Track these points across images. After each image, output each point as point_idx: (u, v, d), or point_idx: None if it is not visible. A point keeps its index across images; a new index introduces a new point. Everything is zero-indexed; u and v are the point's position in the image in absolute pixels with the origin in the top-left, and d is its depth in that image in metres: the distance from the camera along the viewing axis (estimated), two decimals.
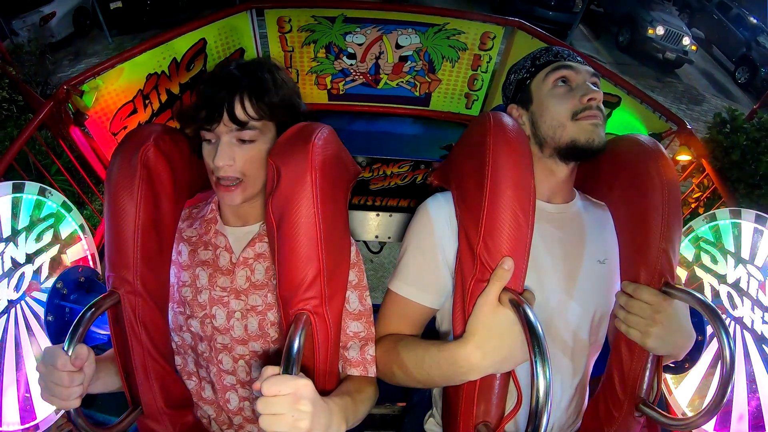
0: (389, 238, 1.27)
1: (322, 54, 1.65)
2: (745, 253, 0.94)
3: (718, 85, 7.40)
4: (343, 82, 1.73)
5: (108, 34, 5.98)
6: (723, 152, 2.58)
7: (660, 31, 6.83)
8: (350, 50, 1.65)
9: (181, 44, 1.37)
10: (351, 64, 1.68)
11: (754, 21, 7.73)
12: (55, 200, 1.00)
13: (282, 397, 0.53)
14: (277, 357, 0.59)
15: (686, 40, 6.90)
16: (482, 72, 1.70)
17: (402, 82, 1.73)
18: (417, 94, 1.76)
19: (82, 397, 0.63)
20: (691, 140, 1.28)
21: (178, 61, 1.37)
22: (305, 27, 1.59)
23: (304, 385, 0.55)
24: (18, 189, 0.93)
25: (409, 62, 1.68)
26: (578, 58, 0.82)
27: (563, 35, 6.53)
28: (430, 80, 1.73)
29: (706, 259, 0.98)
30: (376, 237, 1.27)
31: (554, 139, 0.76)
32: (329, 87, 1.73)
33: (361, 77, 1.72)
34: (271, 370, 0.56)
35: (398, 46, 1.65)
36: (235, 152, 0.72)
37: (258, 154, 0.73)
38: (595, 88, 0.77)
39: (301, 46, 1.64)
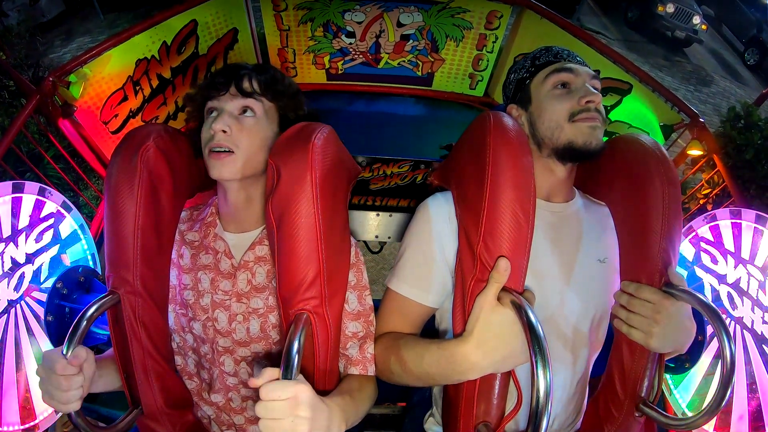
0: (389, 238, 1.27)
1: (320, 33, 1.59)
2: (745, 253, 0.94)
3: (727, 66, 7.21)
4: (342, 61, 1.67)
5: (100, 12, 5.78)
6: (735, 149, 2.52)
7: (670, 8, 6.59)
8: (349, 28, 1.58)
9: (171, 26, 1.31)
10: (350, 43, 1.62)
11: (766, 2, 7.44)
12: (55, 200, 0.99)
13: (281, 402, 0.54)
14: (279, 358, 0.59)
15: (696, 19, 6.67)
16: (488, 52, 1.64)
17: (404, 61, 1.67)
18: (419, 73, 1.70)
19: (82, 399, 0.64)
20: (703, 134, 1.24)
21: (168, 44, 1.32)
22: (302, 5, 1.52)
23: (302, 390, 0.55)
24: (18, 189, 0.92)
25: (411, 41, 1.62)
26: (578, 58, 0.81)
27: (571, 10, 6.31)
28: (432, 60, 1.67)
29: (706, 259, 0.98)
30: (376, 237, 1.26)
31: (552, 140, 0.76)
32: (327, 66, 1.67)
33: (360, 56, 1.66)
34: (270, 372, 0.56)
35: (400, 25, 1.59)
36: (234, 123, 0.73)
37: (255, 129, 0.74)
38: (594, 90, 0.76)
39: (298, 25, 1.57)
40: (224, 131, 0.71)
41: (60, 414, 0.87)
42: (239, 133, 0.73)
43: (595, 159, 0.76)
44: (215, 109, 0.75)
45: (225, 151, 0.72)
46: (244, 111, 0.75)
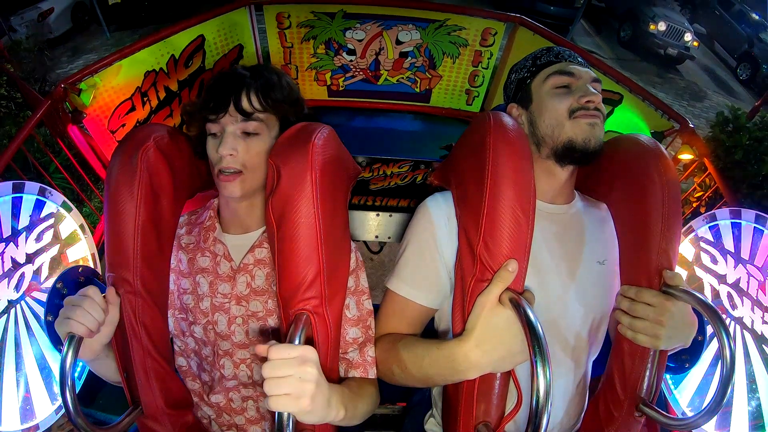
0: (389, 238, 1.27)
1: (322, 50, 1.64)
2: (745, 253, 0.94)
3: (720, 82, 7.36)
4: (343, 78, 1.72)
5: (106, 30, 5.94)
6: (725, 151, 2.55)
7: (662, 26, 6.78)
8: (350, 46, 1.64)
9: (179, 41, 1.36)
10: (351, 60, 1.67)
11: (756, 17, 7.67)
12: (55, 200, 0.99)
13: (288, 359, 0.54)
14: None
15: (688, 36, 6.85)
16: (483, 68, 1.70)
17: (402, 78, 1.73)
18: (417, 90, 1.75)
19: (89, 334, 0.64)
20: (693, 139, 1.27)
21: (177, 57, 1.36)
22: (304, 23, 1.58)
23: (309, 350, 0.57)
24: (18, 189, 0.93)
25: (409, 58, 1.67)
26: (579, 59, 0.81)
27: (565, 30, 6.49)
28: (430, 76, 1.72)
29: (706, 259, 0.98)
30: (376, 237, 1.27)
31: (552, 138, 0.76)
32: (329, 83, 1.73)
33: (361, 73, 1.71)
34: (275, 342, 0.56)
35: (398, 42, 1.65)
36: (239, 144, 0.72)
37: (261, 147, 0.74)
38: (594, 90, 0.76)
39: (301, 42, 1.63)
40: (231, 154, 0.72)
41: (60, 413, 0.86)
42: (246, 154, 0.73)
43: (594, 161, 0.76)
44: (218, 131, 0.74)
45: (234, 172, 0.73)
46: (248, 129, 0.74)
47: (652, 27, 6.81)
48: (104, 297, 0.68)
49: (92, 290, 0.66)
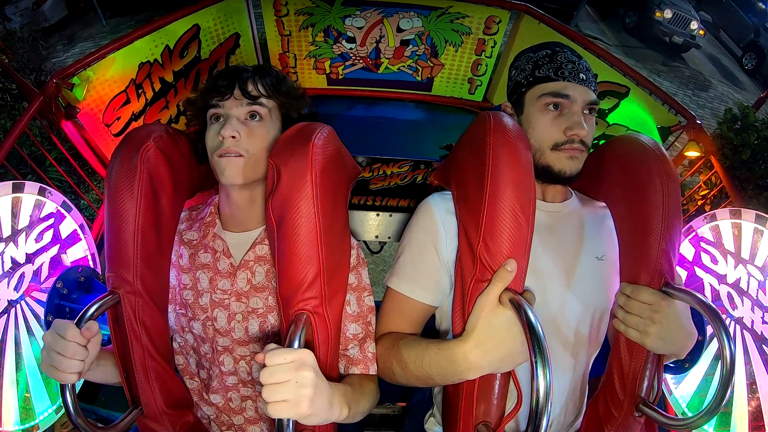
0: (389, 238, 1.27)
1: (321, 38, 1.61)
2: (745, 253, 0.94)
3: (725, 71, 7.26)
4: (343, 66, 1.69)
5: (102, 17, 5.84)
6: (732, 150, 2.53)
7: (668, 14, 6.65)
8: (350, 34, 1.61)
9: (174, 30, 1.32)
10: (350, 48, 1.64)
11: (763, 6, 7.52)
12: (55, 200, 0.99)
13: (285, 364, 0.54)
14: None
15: (694, 25, 6.73)
16: (486, 57, 1.66)
17: (403, 66, 1.69)
18: (419, 78, 1.72)
19: (79, 375, 0.63)
20: (700, 135, 1.25)
21: (171, 48, 1.33)
22: (303, 10, 1.54)
23: (306, 353, 0.56)
24: (18, 189, 0.92)
25: (410, 46, 1.64)
26: (581, 75, 0.78)
27: (569, 16, 6.37)
28: (432, 65, 1.69)
29: (706, 259, 0.98)
30: (376, 237, 1.27)
31: (533, 158, 0.77)
32: (328, 71, 1.70)
33: (361, 61, 1.68)
34: (274, 346, 0.56)
35: (399, 30, 1.61)
36: (242, 128, 0.73)
37: (264, 135, 0.74)
38: (584, 125, 0.76)
39: (299, 30, 1.59)
40: (233, 137, 0.71)
41: (60, 413, 0.87)
42: (248, 138, 0.72)
43: (568, 183, 0.79)
44: (221, 115, 0.74)
45: (236, 155, 0.72)
46: (251, 115, 0.74)
47: (657, 14, 6.68)
48: (84, 330, 0.63)
49: (71, 332, 0.62)
